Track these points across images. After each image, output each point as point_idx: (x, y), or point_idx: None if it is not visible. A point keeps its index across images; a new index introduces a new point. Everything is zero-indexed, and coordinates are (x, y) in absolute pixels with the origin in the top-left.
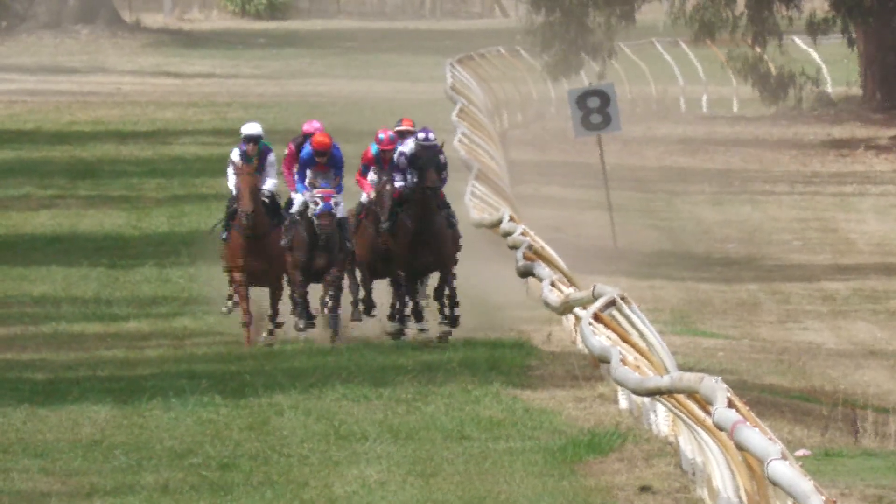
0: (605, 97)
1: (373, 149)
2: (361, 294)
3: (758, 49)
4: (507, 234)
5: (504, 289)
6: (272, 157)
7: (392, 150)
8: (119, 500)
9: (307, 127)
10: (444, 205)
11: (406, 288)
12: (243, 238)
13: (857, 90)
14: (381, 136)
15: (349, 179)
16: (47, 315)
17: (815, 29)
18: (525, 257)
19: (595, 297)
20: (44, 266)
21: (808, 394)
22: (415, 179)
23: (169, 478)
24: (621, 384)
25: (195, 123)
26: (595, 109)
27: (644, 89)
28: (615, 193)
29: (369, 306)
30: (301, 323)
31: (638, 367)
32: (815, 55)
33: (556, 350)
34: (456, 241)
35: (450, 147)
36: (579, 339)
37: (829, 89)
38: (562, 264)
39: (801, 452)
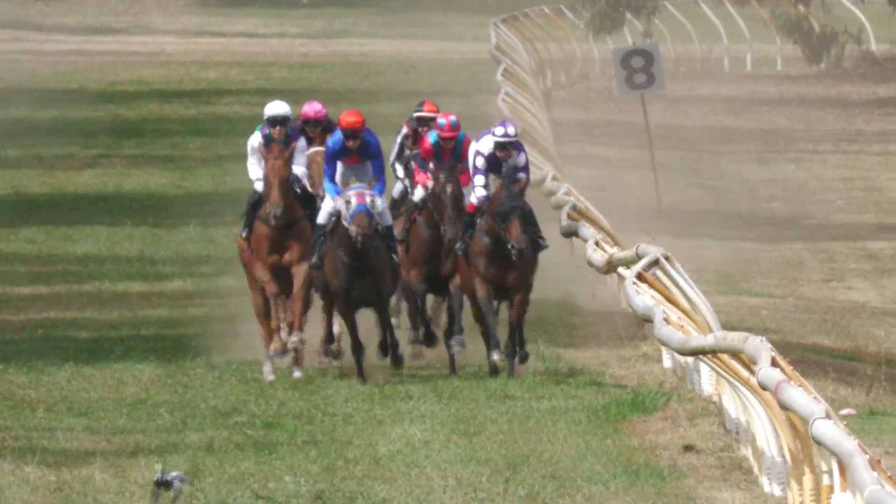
0: (649, 56)
1: (430, 137)
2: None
3: (801, 7)
4: (550, 194)
5: (549, 248)
6: (302, 142)
7: (454, 139)
8: (164, 458)
9: (306, 109)
10: (530, 221)
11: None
12: (268, 228)
13: None
14: (442, 120)
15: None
16: (91, 274)
17: None
18: (569, 217)
19: (639, 257)
20: (88, 225)
21: (852, 353)
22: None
23: (213, 436)
24: (665, 344)
25: (239, 83)
26: (639, 69)
27: (688, 48)
28: (659, 153)
29: (429, 334)
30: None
31: (681, 326)
32: (859, 13)
33: (600, 309)
34: (534, 263)
35: (494, 107)
36: (623, 298)
37: (874, 48)
38: (606, 224)
39: (845, 412)
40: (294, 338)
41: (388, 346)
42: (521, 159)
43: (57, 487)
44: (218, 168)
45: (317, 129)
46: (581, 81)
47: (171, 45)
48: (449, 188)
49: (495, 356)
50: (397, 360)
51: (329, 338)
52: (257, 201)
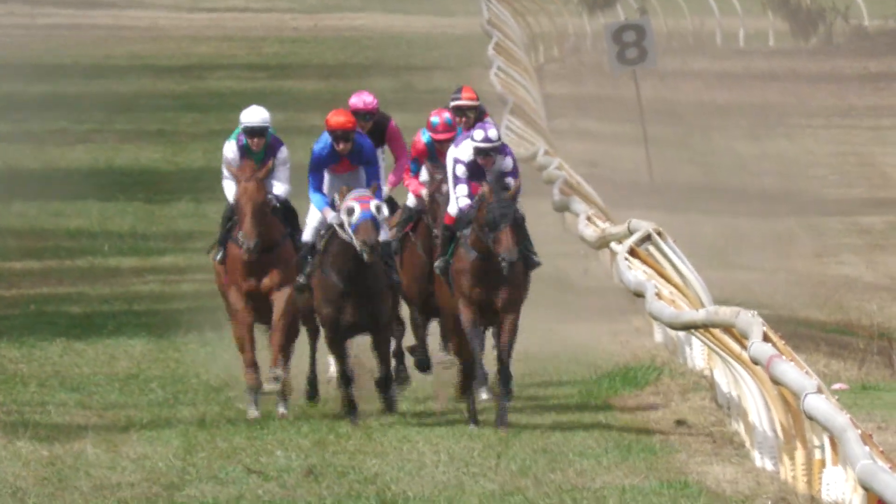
0: (641, 31)
1: (424, 137)
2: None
3: None
4: (542, 169)
5: (540, 223)
6: (283, 153)
7: (450, 140)
8: (155, 433)
9: (354, 100)
10: (522, 233)
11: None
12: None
13: (893, 23)
14: (435, 119)
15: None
16: (83, 249)
17: None
18: (561, 192)
19: (631, 232)
20: (80, 200)
21: (844, 327)
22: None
23: (205, 411)
24: (657, 318)
25: (230, 58)
26: (631, 43)
27: (680, 23)
28: (651, 128)
29: (423, 361)
30: (349, 411)
31: (673, 301)
32: None
33: (592, 284)
34: (525, 281)
35: (486, 81)
36: (615, 273)
37: (866, 22)
38: (598, 199)
39: (837, 386)
40: (270, 374)
41: (383, 382)
42: (508, 163)
43: (49, 462)
44: (210, 143)
45: (368, 123)
46: (573, 56)
47: (163, 19)
48: (444, 188)
49: (484, 394)
50: (389, 403)
51: (314, 379)
52: (231, 219)
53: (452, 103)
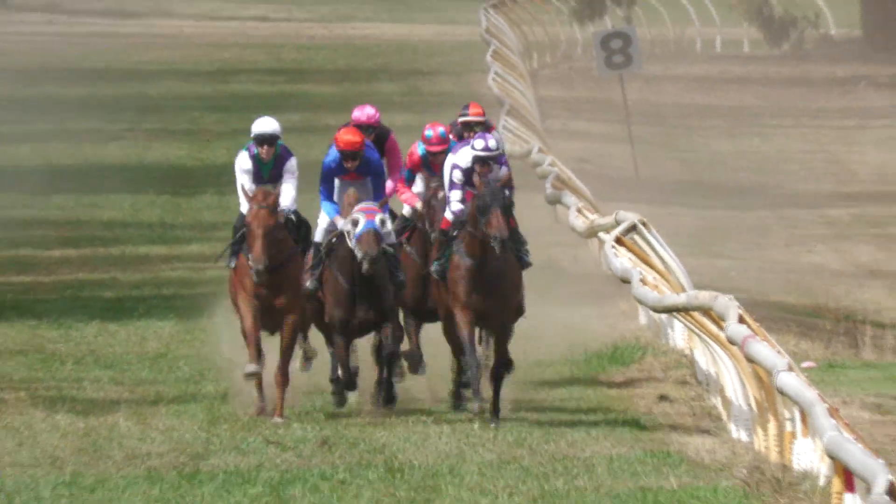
0: (626, 38)
1: (419, 149)
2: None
3: None
4: (536, 165)
5: (534, 215)
6: (292, 163)
7: (444, 152)
8: (182, 407)
9: (357, 113)
10: (514, 236)
11: (457, 338)
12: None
13: (857, 32)
14: (429, 132)
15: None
16: (116, 238)
17: None
18: (553, 186)
19: (617, 223)
20: (113, 194)
21: (812, 310)
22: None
23: (228, 387)
24: (641, 302)
25: (251, 63)
26: (618, 50)
27: (663, 31)
28: (636, 128)
29: (417, 360)
30: (336, 399)
31: (656, 286)
32: (818, 0)
33: (582, 271)
34: (518, 282)
35: (485, 85)
36: (603, 261)
37: (833, 31)
38: (587, 192)
39: (806, 364)
40: (273, 422)
41: (383, 381)
42: (504, 172)
43: (85, 433)
44: (232, 141)
45: (370, 135)
46: (564, 62)
47: (190, 28)
48: (440, 194)
49: (476, 407)
50: (388, 397)
51: (336, 373)
52: (243, 236)
53: (461, 119)
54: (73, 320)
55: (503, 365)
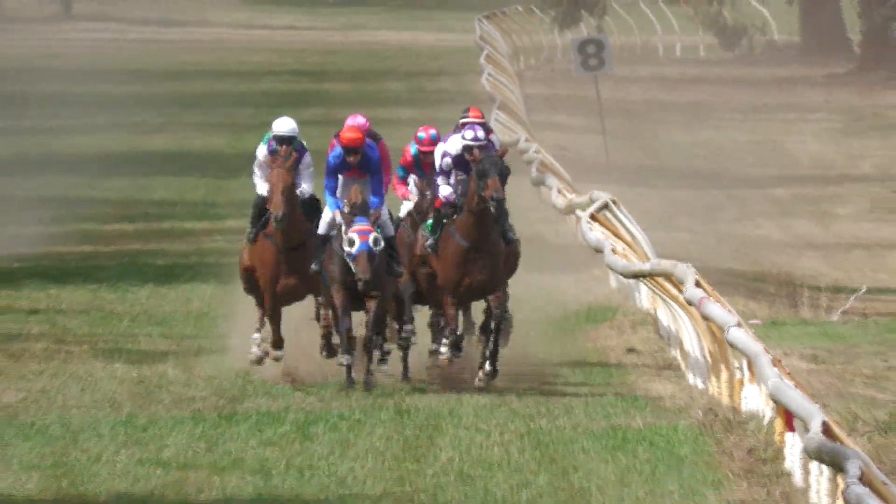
0: (600, 44)
1: (412, 149)
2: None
3: (717, 5)
4: (523, 152)
5: (521, 195)
6: (308, 159)
7: (433, 153)
8: (221, 357)
9: (350, 122)
10: (502, 215)
11: (447, 314)
12: (275, 250)
13: (797, 38)
14: (422, 134)
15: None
16: (165, 215)
17: None
18: (537, 170)
19: (592, 202)
20: (161, 177)
21: (758, 276)
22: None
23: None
24: (612, 269)
25: (279, 65)
26: (592, 54)
27: (630, 38)
28: (608, 121)
29: (459, 343)
30: (343, 359)
31: (625, 255)
32: (763, 10)
33: (562, 243)
34: (514, 255)
35: (478, 84)
36: (579, 234)
37: (776, 37)
38: (566, 176)
39: (753, 322)
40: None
41: (373, 347)
42: (501, 147)
43: (139, 380)
44: (262, 132)
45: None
46: (547, 64)
47: (225, 34)
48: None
49: (444, 349)
50: (381, 364)
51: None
52: (262, 212)
53: (462, 121)
54: (129, 284)
55: (499, 316)
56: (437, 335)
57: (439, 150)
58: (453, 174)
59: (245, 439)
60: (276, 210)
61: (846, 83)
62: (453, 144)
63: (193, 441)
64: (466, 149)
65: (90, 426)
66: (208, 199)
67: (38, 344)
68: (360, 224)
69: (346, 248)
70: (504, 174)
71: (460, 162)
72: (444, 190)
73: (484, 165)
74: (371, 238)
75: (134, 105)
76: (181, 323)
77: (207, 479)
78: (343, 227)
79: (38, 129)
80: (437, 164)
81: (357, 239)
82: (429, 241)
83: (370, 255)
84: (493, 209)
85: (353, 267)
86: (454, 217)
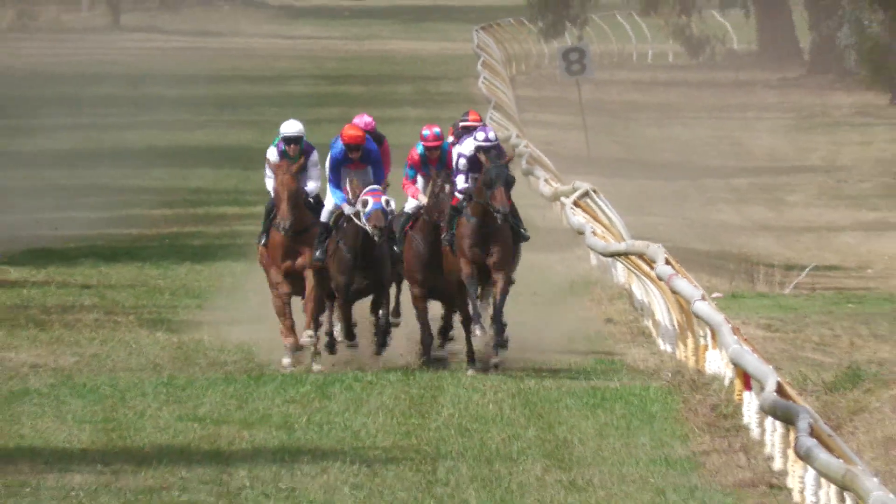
0: (581, 52)
1: (418, 149)
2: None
3: (684, 18)
4: (514, 147)
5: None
6: (315, 157)
7: (439, 148)
8: (252, 327)
9: (356, 121)
10: (512, 211)
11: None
12: (282, 236)
13: (755, 47)
14: (426, 132)
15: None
16: (201, 201)
17: (725, 4)
18: (527, 163)
19: (574, 190)
20: (198, 168)
21: (719, 255)
22: (473, 186)
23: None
24: (592, 249)
25: (301, 70)
26: (575, 61)
27: (608, 46)
28: (589, 119)
29: (429, 342)
30: (349, 346)
31: (604, 237)
32: (725, 22)
33: (548, 226)
34: (516, 249)
35: (476, 87)
36: (564, 218)
37: (736, 46)
38: (552, 167)
39: (715, 295)
40: (305, 335)
41: (381, 331)
42: (508, 154)
43: (178, 346)
44: None
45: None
46: (535, 69)
47: (256, 43)
48: (447, 188)
49: (477, 330)
50: (383, 339)
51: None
52: (272, 210)
53: (461, 124)
54: (170, 262)
55: (502, 304)
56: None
57: (455, 152)
58: (469, 175)
59: (271, 398)
60: (282, 218)
61: (797, 85)
62: (467, 146)
63: (226, 399)
64: (479, 149)
65: (136, 386)
66: (239, 187)
67: (90, 315)
68: (373, 189)
69: (361, 209)
70: (509, 183)
71: (474, 162)
72: (460, 184)
73: (490, 175)
74: (383, 199)
75: (175, 105)
76: (215, 296)
77: (238, 433)
78: (354, 211)
79: (92, 126)
80: (454, 164)
81: (371, 200)
82: (445, 237)
83: (384, 211)
84: (499, 221)
85: (366, 225)
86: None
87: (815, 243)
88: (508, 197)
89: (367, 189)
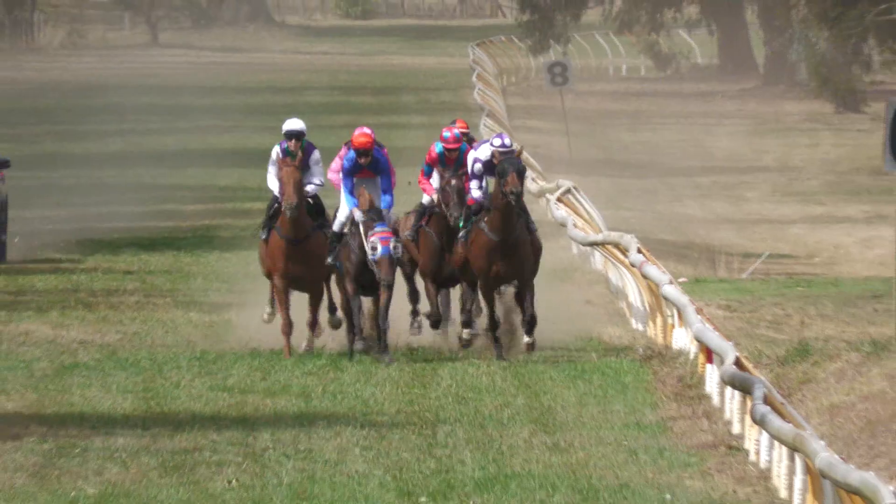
0: (564, 66)
1: (437, 147)
2: (422, 307)
3: (654, 35)
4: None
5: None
6: (316, 155)
7: (457, 150)
8: (274, 308)
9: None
10: (522, 210)
11: (482, 298)
12: (284, 241)
13: (716, 61)
14: (447, 134)
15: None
16: (229, 197)
17: (690, 24)
18: None
19: (558, 187)
20: (226, 168)
21: (685, 245)
22: (488, 187)
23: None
24: (573, 239)
25: (317, 82)
26: (559, 73)
27: (588, 61)
28: (571, 125)
29: (437, 319)
30: (359, 344)
31: (584, 228)
32: (690, 40)
33: (535, 219)
34: (536, 248)
35: (471, 97)
36: (548, 212)
37: (699, 61)
38: (538, 167)
39: (681, 280)
40: (305, 343)
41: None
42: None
43: (209, 325)
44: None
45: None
46: (524, 81)
47: (278, 59)
48: (454, 182)
49: (465, 333)
50: (384, 339)
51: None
52: (275, 212)
53: (450, 129)
54: (202, 251)
55: (530, 321)
56: (466, 314)
57: (470, 156)
58: (484, 178)
59: (291, 370)
60: (288, 200)
61: (753, 95)
62: (483, 151)
63: (251, 372)
64: (495, 154)
65: (171, 360)
66: (262, 185)
67: (131, 297)
68: (381, 229)
69: (369, 252)
70: (521, 171)
71: (489, 166)
72: (475, 193)
73: (503, 165)
74: (391, 243)
75: (206, 113)
76: (242, 281)
77: (262, 401)
78: (362, 230)
79: (133, 131)
80: (469, 168)
81: (379, 244)
82: (461, 234)
83: (391, 259)
84: (513, 202)
85: (375, 269)
86: (482, 215)
87: (770, 234)
88: (521, 184)
89: (377, 228)
